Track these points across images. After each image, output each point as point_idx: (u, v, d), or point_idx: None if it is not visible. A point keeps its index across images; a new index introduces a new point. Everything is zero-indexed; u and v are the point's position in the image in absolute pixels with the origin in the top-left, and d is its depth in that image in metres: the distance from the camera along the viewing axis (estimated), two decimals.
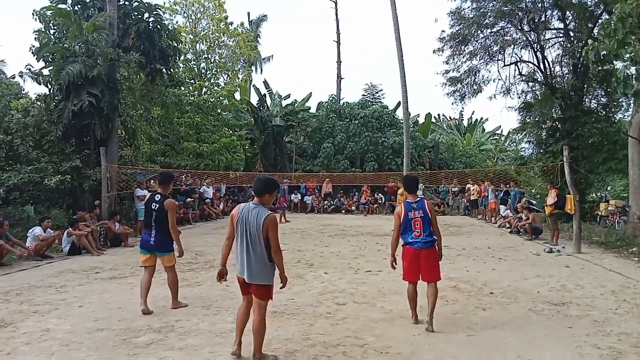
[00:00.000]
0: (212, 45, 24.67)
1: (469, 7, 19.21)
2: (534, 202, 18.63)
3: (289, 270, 8.60)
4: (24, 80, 15.11)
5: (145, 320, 5.62)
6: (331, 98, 32.08)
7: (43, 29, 14.66)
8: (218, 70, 25.36)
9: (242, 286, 4.40)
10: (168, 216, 6.00)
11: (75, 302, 6.46)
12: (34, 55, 14.42)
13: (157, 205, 6.04)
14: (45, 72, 14.41)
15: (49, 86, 14.30)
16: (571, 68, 18.41)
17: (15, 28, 68.79)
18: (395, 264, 5.59)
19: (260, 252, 4.20)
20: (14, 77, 21.00)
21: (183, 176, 19.44)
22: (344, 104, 31.01)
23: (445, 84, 20.85)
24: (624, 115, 18.39)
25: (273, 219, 4.21)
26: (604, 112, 18.55)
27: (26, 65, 14.81)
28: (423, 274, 5.37)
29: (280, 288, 4.40)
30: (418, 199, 5.51)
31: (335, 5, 35.69)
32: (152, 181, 15.96)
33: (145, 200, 6.45)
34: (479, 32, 19.20)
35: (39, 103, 15.38)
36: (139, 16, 16.46)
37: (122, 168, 15.28)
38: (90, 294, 6.92)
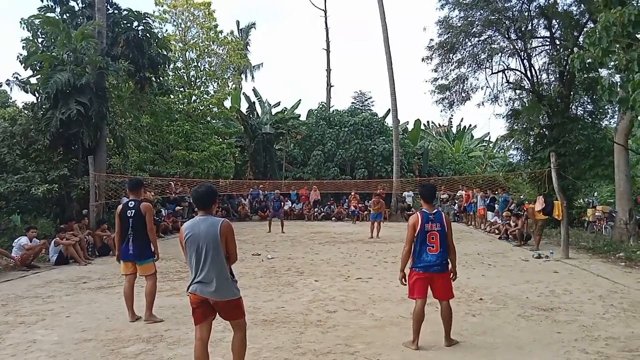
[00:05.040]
0: (202, 53, 24.68)
1: (456, 16, 19.53)
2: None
3: (279, 277, 8.68)
4: (10, 89, 14.97)
5: (134, 330, 5.56)
6: (321, 106, 32.16)
7: (31, 37, 14.55)
8: (208, 78, 25.36)
9: (200, 309, 3.78)
10: (146, 219, 5.89)
11: (63, 313, 6.37)
12: (22, 64, 14.30)
13: (133, 211, 5.90)
14: (33, 80, 14.29)
15: (37, 94, 14.18)
16: (557, 76, 18.73)
17: (1, 36, 68.17)
18: (405, 280, 5.02)
19: (220, 264, 3.73)
20: (0, 86, 20.87)
21: (172, 184, 19.33)
22: (333, 111, 31.12)
23: (434, 92, 21.13)
24: (610, 122, 18.78)
25: (229, 225, 3.84)
26: (590, 119, 18.89)
27: (13, 74, 14.68)
28: (437, 292, 4.97)
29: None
30: (435, 210, 4.95)
31: (325, 14, 35.83)
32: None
33: (119, 210, 6.05)
34: (466, 40, 19.48)
35: (26, 111, 15.26)
36: (128, 25, 16.42)
37: (110, 176, 15.15)
38: (77, 304, 6.84)
